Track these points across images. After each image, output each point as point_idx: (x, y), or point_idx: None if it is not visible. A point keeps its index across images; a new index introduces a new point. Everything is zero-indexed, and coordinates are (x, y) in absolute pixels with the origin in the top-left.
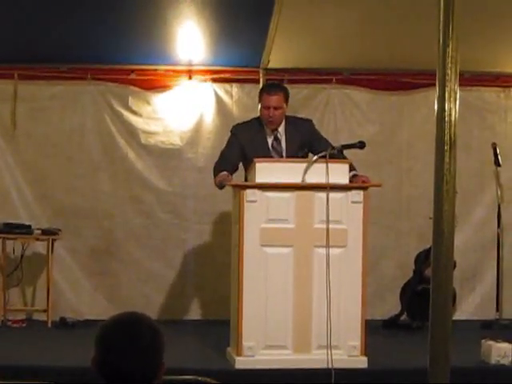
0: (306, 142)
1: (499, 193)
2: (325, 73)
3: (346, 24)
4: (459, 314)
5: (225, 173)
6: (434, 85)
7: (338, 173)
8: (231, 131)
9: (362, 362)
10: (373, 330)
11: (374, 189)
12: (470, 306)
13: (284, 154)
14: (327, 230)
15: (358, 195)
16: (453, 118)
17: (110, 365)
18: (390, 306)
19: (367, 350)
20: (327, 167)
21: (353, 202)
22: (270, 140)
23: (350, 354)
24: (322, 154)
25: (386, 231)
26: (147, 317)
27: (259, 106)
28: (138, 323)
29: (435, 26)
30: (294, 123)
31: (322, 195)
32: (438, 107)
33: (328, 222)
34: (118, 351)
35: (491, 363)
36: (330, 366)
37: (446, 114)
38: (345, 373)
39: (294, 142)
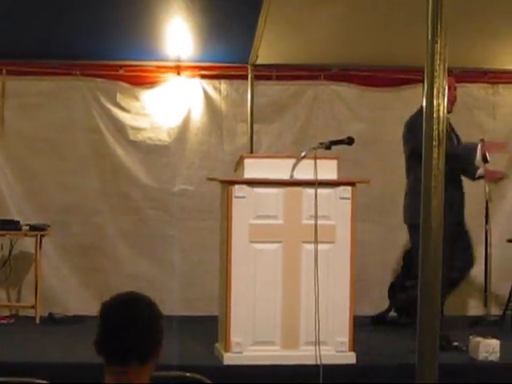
0: None
1: (487, 190)
2: (313, 69)
3: (335, 20)
4: (448, 311)
5: None
6: (423, 81)
7: (327, 169)
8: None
9: (350, 358)
10: (361, 325)
11: (363, 185)
12: (458, 302)
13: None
14: (315, 225)
15: (346, 191)
16: (441, 115)
17: (110, 342)
18: (378, 302)
19: (355, 345)
20: (315, 163)
21: (341, 198)
22: None
23: (338, 349)
24: (310, 149)
25: (374, 227)
26: (146, 296)
27: None
28: (137, 302)
29: (424, 23)
30: None
31: (311, 191)
32: (427, 103)
33: (316, 217)
34: (118, 329)
35: (479, 359)
36: (318, 362)
37: (435, 110)
38: (333, 369)
39: None
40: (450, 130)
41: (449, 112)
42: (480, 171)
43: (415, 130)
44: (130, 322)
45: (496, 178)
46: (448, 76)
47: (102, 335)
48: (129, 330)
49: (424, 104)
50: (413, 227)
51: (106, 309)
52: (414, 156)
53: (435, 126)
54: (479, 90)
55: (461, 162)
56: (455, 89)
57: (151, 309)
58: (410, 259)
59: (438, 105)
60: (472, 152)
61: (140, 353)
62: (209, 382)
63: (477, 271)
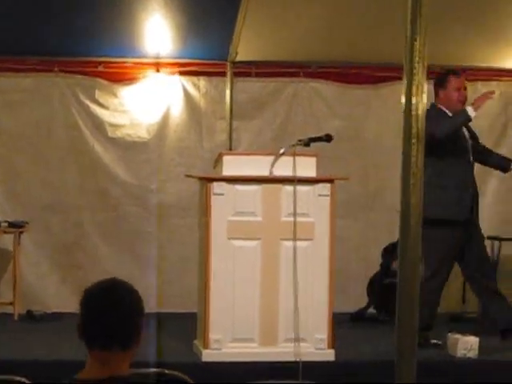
0: None
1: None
2: (292, 66)
3: (314, 17)
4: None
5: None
6: (402, 78)
7: (305, 166)
8: (434, 114)
9: (329, 355)
10: (340, 323)
11: (341, 182)
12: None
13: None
14: (294, 222)
15: (325, 188)
16: (420, 112)
17: (92, 327)
18: (357, 299)
19: (334, 342)
20: (294, 160)
21: (320, 195)
22: None
23: (317, 346)
24: (289, 146)
25: (353, 224)
26: (127, 283)
27: (443, 91)
28: (118, 288)
29: (403, 20)
30: None
31: (289, 188)
32: (406, 101)
33: (295, 214)
34: (99, 314)
35: (457, 356)
36: (297, 359)
37: (414, 107)
38: (312, 366)
39: None
40: (467, 129)
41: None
42: (469, 109)
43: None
44: (111, 308)
45: (486, 99)
46: (459, 76)
47: (84, 321)
48: (110, 316)
49: (403, 101)
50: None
51: (87, 295)
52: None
53: (414, 124)
54: None
55: (457, 124)
56: (465, 89)
57: (132, 295)
58: (389, 256)
59: (417, 102)
60: (462, 112)
61: (122, 338)
62: (187, 379)
63: (455, 268)
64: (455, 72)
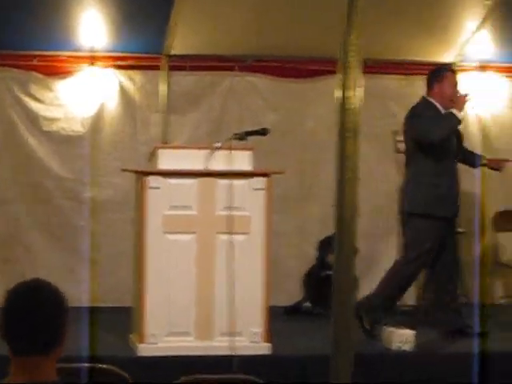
0: None
1: (401, 180)
2: (228, 60)
3: (249, 10)
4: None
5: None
6: (337, 72)
7: (241, 160)
8: (428, 110)
9: (265, 349)
10: (276, 316)
11: (277, 176)
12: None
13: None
14: (230, 216)
15: (260, 182)
16: (355, 106)
17: (13, 330)
18: (293, 293)
19: (270, 336)
20: (230, 154)
21: (255, 189)
22: None
23: (252, 340)
24: (225, 140)
25: (288, 218)
26: (51, 284)
27: (438, 86)
28: (41, 289)
29: (338, 14)
30: None
31: (225, 182)
32: (341, 95)
33: (231, 208)
34: (21, 316)
35: (393, 349)
36: (232, 353)
37: (349, 101)
38: (248, 359)
39: None
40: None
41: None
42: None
43: (414, 120)
44: (33, 309)
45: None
46: (455, 73)
47: (6, 322)
48: (33, 317)
49: (338, 96)
50: (411, 215)
51: (10, 296)
52: (415, 145)
53: (349, 118)
54: (393, 81)
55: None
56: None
57: (55, 296)
58: (325, 249)
59: (352, 96)
60: (451, 115)
61: (45, 341)
62: (122, 373)
63: (388, 261)
64: (452, 68)
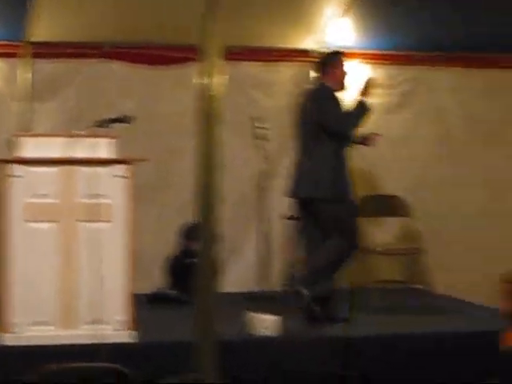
0: None
1: (265, 166)
2: (87, 46)
3: None
4: (226, 287)
5: None
6: (198, 59)
7: (103, 147)
8: (332, 95)
9: (130, 336)
10: (140, 304)
11: (138, 163)
12: (236, 278)
13: None
14: (92, 204)
15: (122, 170)
16: (216, 93)
17: None
18: (157, 280)
19: (135, 324)
20: (92, 142)
21: (117, 177)
22: None
23: (117, 328)
24: (87, 128)
25: (150, 205)
26: None
27: (333, 70)
28: None
29: (198, 1)
30: None
31: (87, 170)
32: (202, 82)
33: (93, 196)
34: None
35: (256, 335)
36: (98, 341)
37: (210, 88)
38: (113, 347)
39: None
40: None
41: (343, 90)
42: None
43: (321, 105)
44: None
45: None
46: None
47: None
48: None
49: (200, 82)
50: (328, 201)
51: None
52: (318, 129)
53: (210, 105)
54: (256, 67)
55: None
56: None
57: None
58: (189, 237)
59: (214, 84)
60: (362, 105)
61: None
62: None
63: (253, 247)
64: (341, 52)
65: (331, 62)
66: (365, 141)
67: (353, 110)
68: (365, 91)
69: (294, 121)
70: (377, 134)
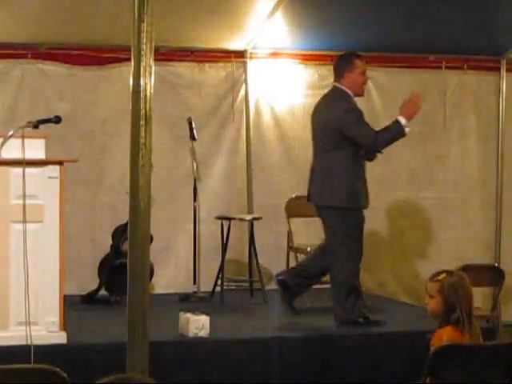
0: None
1: (195, 167)
2: (20, 47)
3: None
4: (157, 288)
5: None
6: (129, 60)
7: (35, 148)
8: (351, 106)
9: (61, 338)
10: (72, 305)
11: (69, 165)
12: (167, 279)
13: None
14: (24, 205)
15: (54, 170)
16: (148, 94)
17: None
18: (88, 281)
19: (66, 325)
20: (23, 142)
21: (49, 178)
22: None
23: (48, 329)
24: (18, 128)
25: (81, 206)
26: None
27: (348, 74)
28: None
29: (130, 1)
30: None
31: (18, 170)
32: (134, 82)
33: (24, 197)
34: None
35: (189, 336)
36: (28, 343)
37: (142, 89)
38: (44, 349)
39: None
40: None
41: (361, 95)
42: (404, 123)
43: (344, 115)
44: None
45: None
46: (361, 59)
47: None
48: None
49: (131, 83)
50: (333, 208)
51: None
52: (336, 137)
53: (142, 105)
54: (185, 68)
55: (392, 140)
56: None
57: None
58: (119, 237)
59: (145, 84)
60: (396, 126)
61: None
62: None
63: (185, 248)
64: (358, 55)
65: (345, 66)
66: (368, 155)
67: (388, 131)
68: (407, 109)
69: (312, 126)
70: (380, 152)
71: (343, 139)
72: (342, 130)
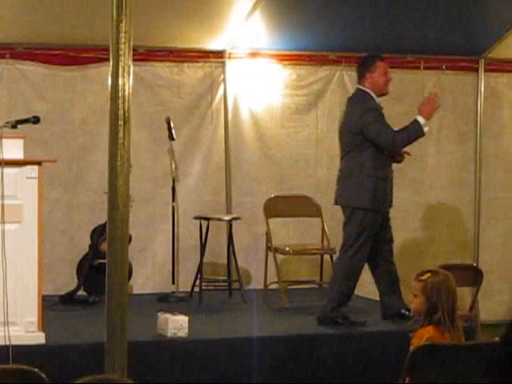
0: None
1: (173, 167)
2: None
3: None
4: (135, 288)
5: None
6: (108, 60)
7: (13, 148)
8: (370, 106)
9: (39, 338)
10: (50, 305)
11: (48, 165)
12: (146, 279)
13: None
14: (2, 205)
15: (33, 171)
16: (126, 94)
17: None
18: (67, 282)
19: (45, 325)
20: (1, 142)
21: (28, 178)
22: None
23: (27, 330)
24: None
25: (59, 206)
26: None
27: (370, 75)
28: None
29: (108, 1)
30: None
31: None
32: (112, 82)
33: (3, 197)
34: None
35: (168, 336)
36: (7, 343)
37: (120, 89)
38: (23, 349)
39: None
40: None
41: (386, 94)
42: (423, 122)
43: (364, 116)
44: None
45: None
46: (383, 60)
47: None
48: None
49: (109, 83)
50: (356, 209)
51: None
52: (358, 138)
53: (121, 105)
54: (164, 68)
55: (411, 140)
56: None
57: None
58: (98, 237)
59: (124, 84)
60: (414, 125)
61: None
62: None
63: (164, 248)
64: (381, 56)
65: (366, 67)
66: (396, 156)
67: (406, 131)
68: (425, 108)
69: (338, 129)
70: (408, 153)
71: (364, 140)
72: (361, 130)
